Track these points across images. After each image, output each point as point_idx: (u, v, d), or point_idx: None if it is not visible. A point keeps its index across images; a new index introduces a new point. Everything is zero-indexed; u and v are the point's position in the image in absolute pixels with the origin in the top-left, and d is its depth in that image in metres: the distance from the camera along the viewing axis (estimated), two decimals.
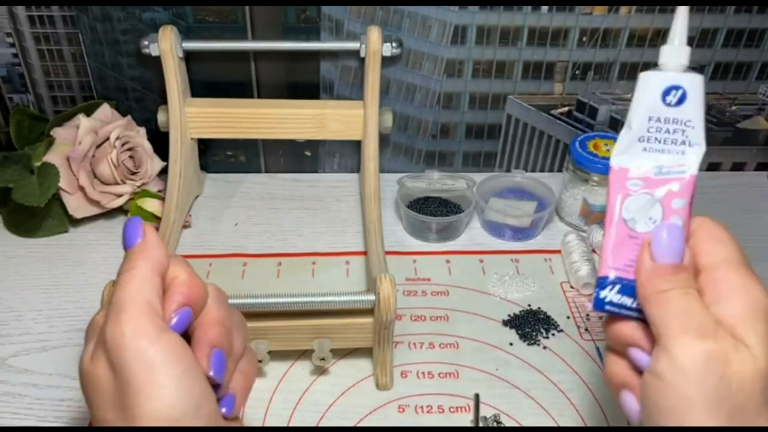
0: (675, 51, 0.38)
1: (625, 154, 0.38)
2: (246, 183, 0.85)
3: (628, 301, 0.37)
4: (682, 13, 0.38)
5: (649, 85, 0.38)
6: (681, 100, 0.37)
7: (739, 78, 0.81)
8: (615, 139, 0.75)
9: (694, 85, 0.37)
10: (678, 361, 0.33)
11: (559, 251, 0.74)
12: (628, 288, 0.37)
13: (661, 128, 0.37)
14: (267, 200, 0.82)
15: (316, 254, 0.73)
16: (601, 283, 0.37)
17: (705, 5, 0.75)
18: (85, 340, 0.38)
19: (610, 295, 0.37)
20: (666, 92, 0.37)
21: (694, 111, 0.37)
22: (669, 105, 0.37)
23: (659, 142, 0.38)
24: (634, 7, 0.75)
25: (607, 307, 0.37)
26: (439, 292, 0.69)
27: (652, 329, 0.35)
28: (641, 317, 0.36)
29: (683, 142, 0.37)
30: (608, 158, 0.71)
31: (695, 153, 0.37)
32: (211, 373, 0.36)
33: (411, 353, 0.62)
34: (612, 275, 0.37)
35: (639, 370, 0.36)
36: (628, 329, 0.37)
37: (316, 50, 0.77)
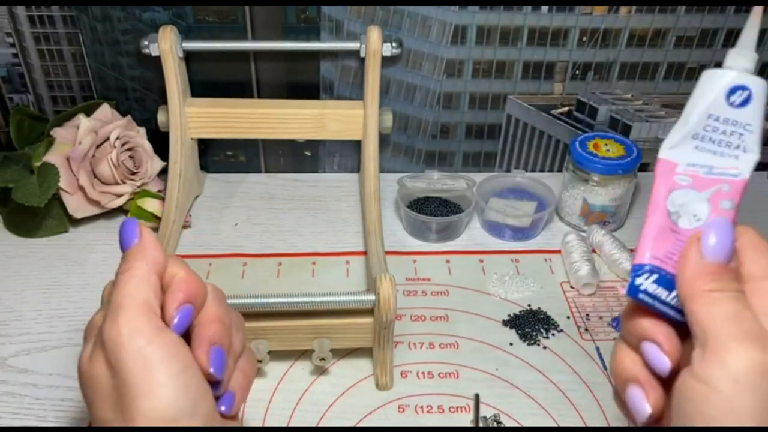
0: (744, 54, 0.37)
1: (676, 149, 0.37)
2: (246, 183, 0.85)
3: (663, 293, 0.35)
4: (756, 14, 0.36)
5: (714, 81, 0.37)
6: (745, 102, 0.36)
7: None
8: (615, 139, 0.76)
9: (761, 89, 0.36)
10: (731, 370, 0.31)
11: (559, 251, 0.74)
12: (666, 280, 0.35)
13: (718, 128, 0.36)
14: (267, 200, 0.82)
15: (316, 254, 0.73)
16: (638, 269, 0.36)
17: (705, 5, 0.75)
18: (84, 340, 0.38)
19: (646, 283, 0.35)
20: (731, 91, 0.36)
21: (755, 115, 0.36)
22: (732, 105, 0.36)
23: (713, 142, 0.37)
24: (634, 7, 0.75)
25: (641, 296, 0.36)
26: (439, 292, 0.69)
27: (694, 330, 0.33)
28: (673, 314, 0.35)
29: (738, 146, 0.36)
30: (608, 158, 0.72)
31: (748, 160, 0.36)
32: (211, 370, 0.37)
33: (411, 353, 0.62)
34: (650, 263, 0.36)
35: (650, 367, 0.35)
36: (649, 323, 0.35)
37: (316, 50, 0.77)
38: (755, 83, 0.36)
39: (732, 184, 0.36)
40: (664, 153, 0.37)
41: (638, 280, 0.36)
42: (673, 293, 0.35)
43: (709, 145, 0.37)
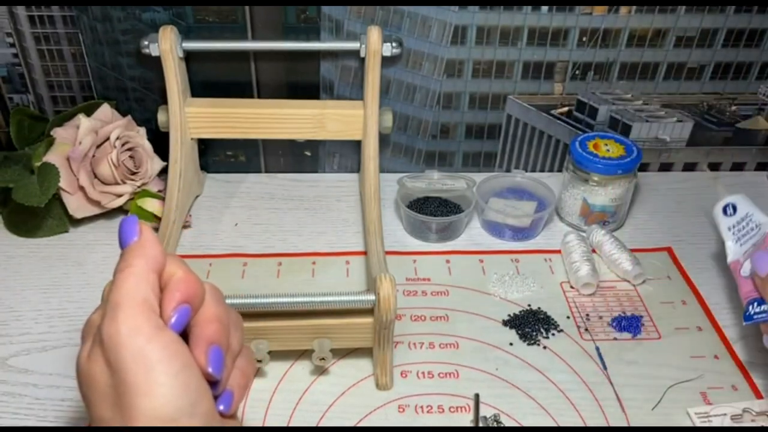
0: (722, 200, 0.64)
1: (732, 253, 0.62)
2: (246, 183, 0.85)
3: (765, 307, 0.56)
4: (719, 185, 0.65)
5: (717, 213, 0.64)
6: (735, 210, 0.63)
7: (739, 78, 0.81)
8: (615, 139, 0.76)
9: (740, 198, 0.63)
10: None
11: (559, 251, 0.74)
12: (761, 300, 0.56)
13: (738, 230, 0.62)
14: (267, 200, 0.82)
15: (316, 254, 0.73)
16: (746, 305, 0.57)
17: (705, 5, 0.75)
18: (82, 339, 0.38)
19: (753, 309, 0.56)
20: (724, 209, 0.63)
21: (748, 209, 0.62)
22: (729, 215, 0.63)
23: (741, 237, 0.62)
24: (634, 7, 0.75)
25: (756, 317, 0.55)
26: (439, 292, 0.69)
27: None
28: None
29: (752, 228, 0.61)
30: (608, 158, 0.73)
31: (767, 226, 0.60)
32: (210, 370, 0.36)
33: (411, 353, 0.62)
34: (747, 299, 0.57)
35: None
36: None
37: (316, 50, 0.77)
38: (736, 198, 0.63)
39: (760, 237, 0.60)
40: (729, 259, 0.62)
41: (749, 311, 0.57)
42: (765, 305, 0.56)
43: (741, 239, 0.62)
